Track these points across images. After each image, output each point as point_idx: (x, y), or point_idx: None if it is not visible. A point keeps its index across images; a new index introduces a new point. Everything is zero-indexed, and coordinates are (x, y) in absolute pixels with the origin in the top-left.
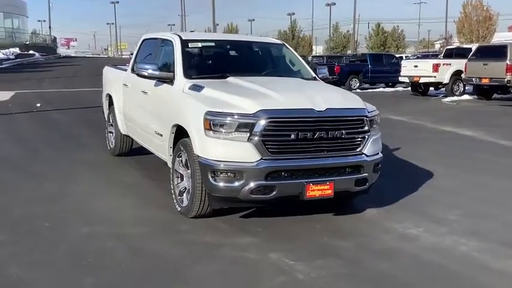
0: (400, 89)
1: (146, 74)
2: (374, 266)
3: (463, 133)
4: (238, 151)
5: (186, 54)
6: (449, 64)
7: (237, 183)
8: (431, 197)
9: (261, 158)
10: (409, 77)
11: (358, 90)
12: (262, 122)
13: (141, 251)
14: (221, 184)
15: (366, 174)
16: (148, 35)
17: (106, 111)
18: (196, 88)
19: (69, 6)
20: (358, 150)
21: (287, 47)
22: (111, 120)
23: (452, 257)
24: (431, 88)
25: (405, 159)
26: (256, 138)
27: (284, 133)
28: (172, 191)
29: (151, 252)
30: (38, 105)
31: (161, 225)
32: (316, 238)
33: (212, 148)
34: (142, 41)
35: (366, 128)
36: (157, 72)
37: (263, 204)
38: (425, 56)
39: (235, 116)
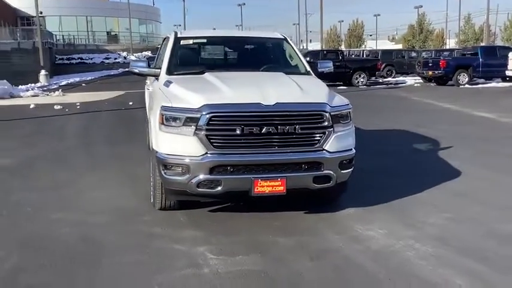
0: None
1: (137, 71)
2: (294, 265)
3: None
4: (185, 145)
5: (176, 51)
6: None
7: (184, 177)
8: (430, 199)
9: (206, 152)
10: None
11: (467, 86)
12: (206, 116)
13: (85, 237)
14: (171, 177)
15: (329, 171)
16: (167, 35)
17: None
18: (167, 84)
19: (201, 10)
20: (317, 146)
21: (288, 42)
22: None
23: (386, 262)
24: None
25: (446, 159)
26: (201, 132)
27: (228, 127)
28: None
29: (93, 239)
30: (130, 103)
31: (126, 216)
32: (261, 235)
33: (164, 142)
34: (163, 40)
35: (326, 123)
36: (146, 70)
37: (213, 198)
38: None
39: (182, 111)
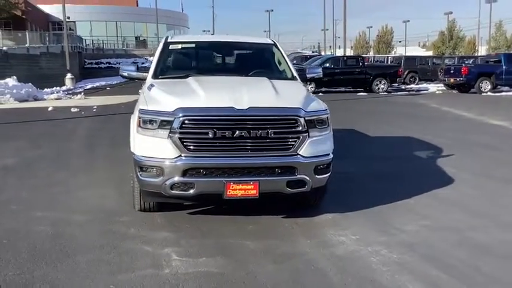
0: None
1: (126, 74)
2: (253, 267)
3: None
4: (159, 148)
5: (165, 55)
6: None
7: (158, 179)
8: (414, 206)
9: (180, 155)
10: None
11: (489, 94)
12: (179, 120)
13: (58, 235)
14: (147, 179)
15: (303, 176)
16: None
17: None
18: (149, 87)
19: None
20: (291, 150)
21: (277, 47)
22: None
23: (347, 267)
24: None
25: (444, 167)
26: (175, 135)
27: (201, 131)
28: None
29: (65, 237)
30: None
31: (105, 216)
32: (232, 238)
33: (140, 144)
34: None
35: (300, 128)
36: (134, 73)
37: (187, 200)
38: None
39: (158, 114)
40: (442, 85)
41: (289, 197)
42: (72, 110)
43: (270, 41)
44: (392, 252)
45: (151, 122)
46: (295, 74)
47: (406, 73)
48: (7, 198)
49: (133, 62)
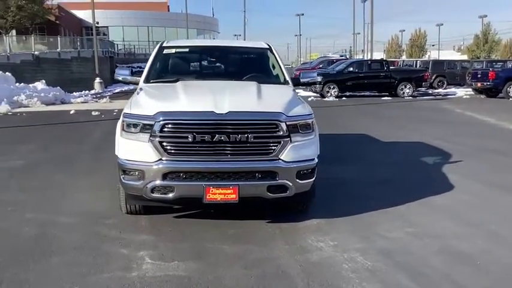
0: None
1: (120, 78)
2: (223, 272)
3: None
4: (140, 151)
5: (158, 60)
6: None
7: (139, 182)
8: (405, 212)
9: (160, 159)
10: None
11: None
12: (159, 123)
13: (41, 236)
14: (129, 182)
15: (284, 181)
16: None
17: None
18: (138, 92)
19: (261, 20)
20: (272, 155)
21: (272, 52)
22: None
23: (316, 273)
24: None
25: (448, 173)
26: (155, 139)
27: (180, 135)
28: None
29: (47, 239)
30: None
31: (92, 218)
32: (210, 242)
33: (123, 148)
34: None
35: (281, 133)
36: (128, 77)
37: (167, 204)
38: None
39: (139, 118)
40: (471, 90)
41: (274, 201)
42: (93, 113)
43: (265, 45)
44: (367, 259)
45: (134, 125)
46: (287, 78)
47: (433, 77)
48: (4, 199)
49: (129, 66)
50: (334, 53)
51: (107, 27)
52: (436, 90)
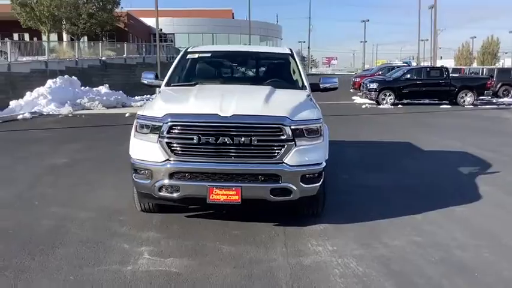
0: None
1: (146, 82)
2: (213, 270)
3: None
4: (150, 151)
5: (181, 64)
6: None
7: (148, 181)
8: (418, 221)
9: (168, 159)
10: None
11: None
12: (167, 125)
13: (57, 230)
14: (139, 181)
15: (288, 184)
16: None
17: None
18: (156, 95)
19: (326, 27)
20: (275, 158)
21: (293, 57)
22: None
23: (304, 277)
24: None
25: (480, 184)
26: (163, 140)
27: (186, 136)
28: None
29: (60, 232)
30: None
31: (107, 214)
32: (211, 241)
33: (135, 148)
34: None
35: (285, 137)
36: (153, 81)
37: (173, 202)
38: None
39: (150, 119)
40: None
41: (281, 205)
42: None
43: (287, 51)
44: (360, 266)
45: (145, 126)
46: (305, 83)
47: (498, 86)
48: (34, 194)
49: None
50: (400, 59)
51: (173, 34)
52: (501, 100)
